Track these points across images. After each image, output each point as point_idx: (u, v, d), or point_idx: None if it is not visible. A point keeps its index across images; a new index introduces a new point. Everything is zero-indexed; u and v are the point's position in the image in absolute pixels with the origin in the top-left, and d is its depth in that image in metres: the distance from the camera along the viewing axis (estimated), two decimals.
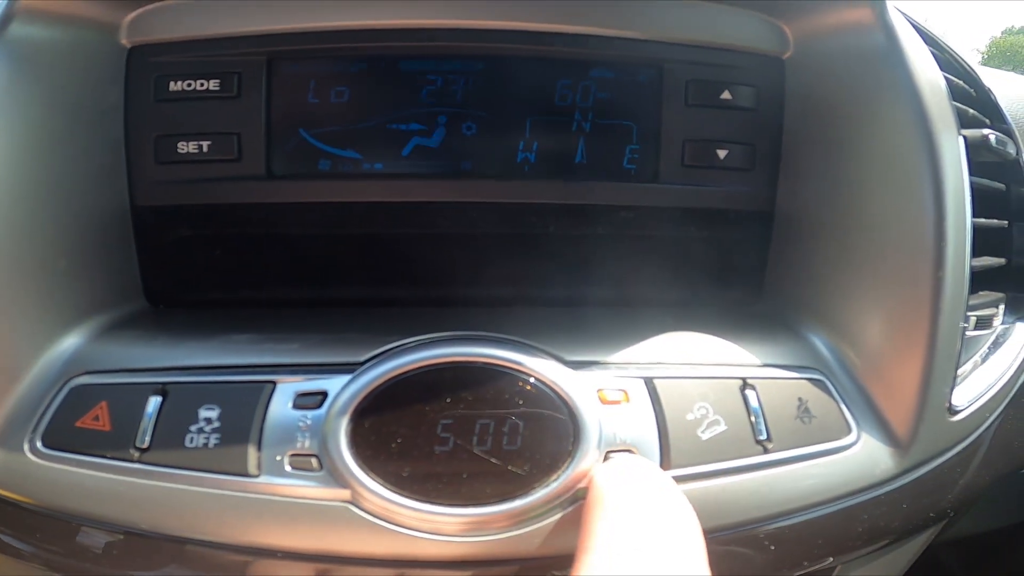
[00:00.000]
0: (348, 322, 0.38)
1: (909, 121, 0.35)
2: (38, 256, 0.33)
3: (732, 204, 0.42)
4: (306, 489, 0.30)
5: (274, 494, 0.30)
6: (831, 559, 0.35)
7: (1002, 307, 0.44)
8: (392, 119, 0.40)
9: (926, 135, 0.34)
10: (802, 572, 0.35)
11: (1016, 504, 0.53)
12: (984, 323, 0.42)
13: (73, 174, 0.36)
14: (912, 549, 0.41)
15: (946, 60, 0.46)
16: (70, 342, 0.34)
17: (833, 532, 0.34)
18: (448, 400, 0.31)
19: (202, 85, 0.39)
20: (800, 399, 0.34)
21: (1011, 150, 0.44)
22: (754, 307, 0.43)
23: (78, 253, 0.36)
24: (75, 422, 0.31)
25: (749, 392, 0.34)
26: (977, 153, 0.39)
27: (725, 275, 0.43)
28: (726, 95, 0.41)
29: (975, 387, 0.38)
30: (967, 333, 0.37)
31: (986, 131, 0.41)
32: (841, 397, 0.35)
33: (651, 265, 0.42)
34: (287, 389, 0.31)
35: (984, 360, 0.41)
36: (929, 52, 0.37)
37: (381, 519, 0.29)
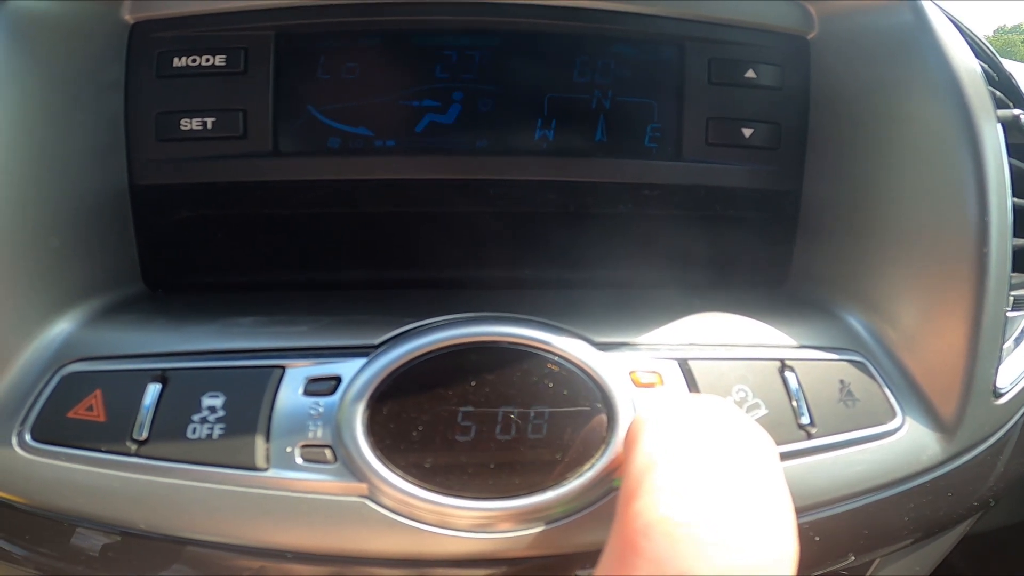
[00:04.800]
0: (359, 304, 0.34)
1: (945, 98, 0.32)
2: (28, 234, 0.29)
3: (758, 183, 0.39)
4: (319, 483, 0.26)
5: (284, 489, 0.26)
6: (876, 551, 0.31)
7: None
8: (405, 95, 0.37)
9: (963, 112, 0.31)
10: (843, 565, 0.31)
11: (1021, 501, 0.50)
12: (1020, 304, 0.38)
13: (68, 151, 0.32)
14: (948, 541, 0.37)
15: (970, 40, 0.43)
16: (62, 327, 0.30)
17: (880, 522, 0.30)
18: (472, 383, 0.27)
19: (207, 61, 0.36)
20: (842, 381, 0.31)
21: None
22: (781, 288, 0.40)
23: (72, 232, 0.32)
24: (67, 413, 0.27)
25: (788, 374, 0.30)
26: (1008, 134, 0.37)
27: (751, 255, 0.40)
28: (750, 74, 0.38)
29: (1014, 369, 0.35)
30: (1007, 314, 0.33)
31: (1016, 111, 0.38)
32: (883, 380, 0.32)
33: (674, 245, 0.39)
34: (297, 374, 0.28)
35: (1017, 343, 0.38)
36: (956, 29, 0.34)
37: (401, 515, 0.26)
